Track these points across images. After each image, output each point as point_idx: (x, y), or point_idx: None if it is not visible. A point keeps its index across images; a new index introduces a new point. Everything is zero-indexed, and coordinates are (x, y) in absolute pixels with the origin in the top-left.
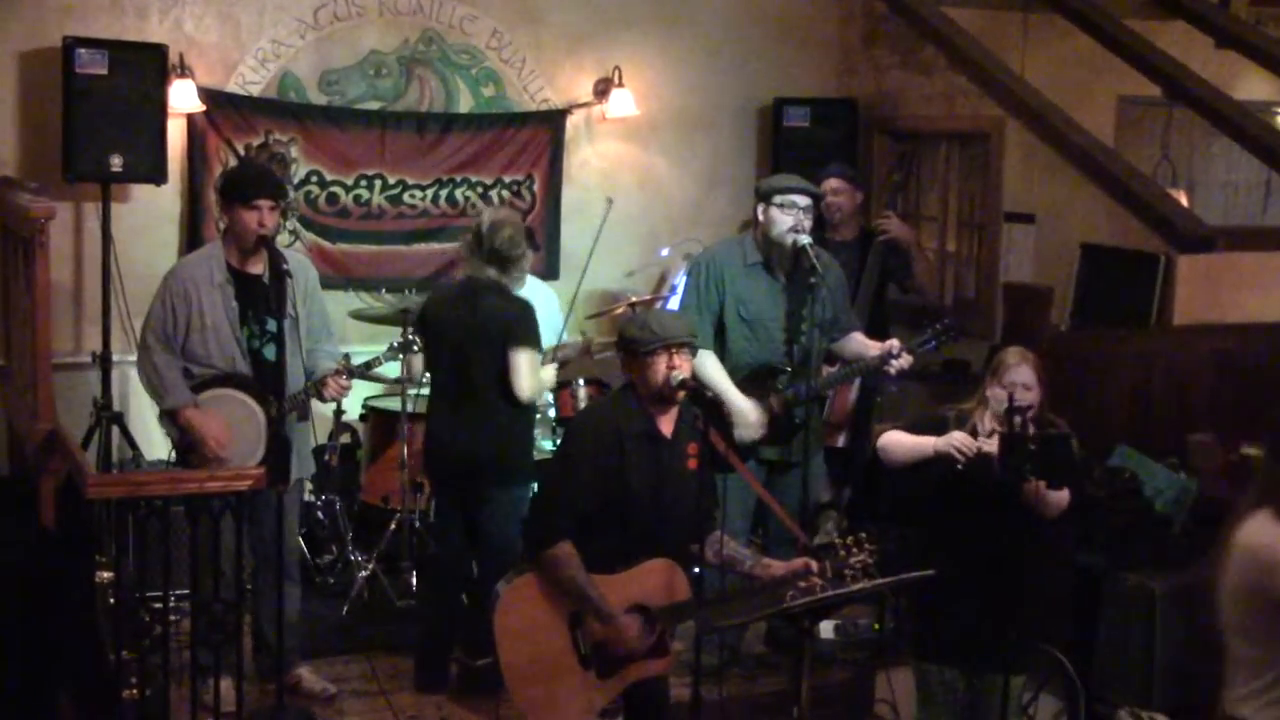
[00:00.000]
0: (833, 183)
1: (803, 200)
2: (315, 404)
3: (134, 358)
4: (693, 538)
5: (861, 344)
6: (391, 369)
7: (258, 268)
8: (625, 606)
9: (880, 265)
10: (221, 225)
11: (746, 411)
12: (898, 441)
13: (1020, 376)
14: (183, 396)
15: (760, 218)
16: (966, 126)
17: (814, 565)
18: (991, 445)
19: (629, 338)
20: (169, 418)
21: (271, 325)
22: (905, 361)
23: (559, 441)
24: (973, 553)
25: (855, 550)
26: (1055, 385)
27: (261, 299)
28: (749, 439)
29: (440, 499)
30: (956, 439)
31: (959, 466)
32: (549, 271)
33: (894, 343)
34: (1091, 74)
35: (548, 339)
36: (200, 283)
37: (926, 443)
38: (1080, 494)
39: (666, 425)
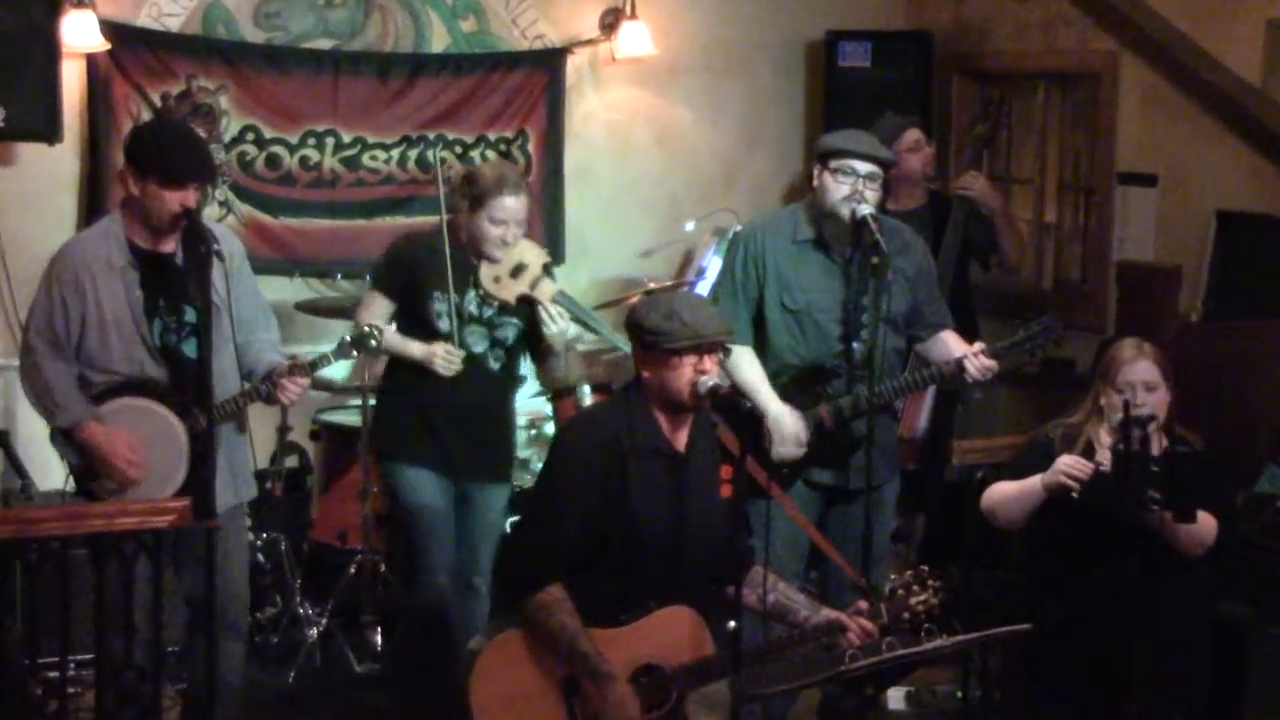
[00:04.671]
0: (914, 134)
1: (863, 167)
2: (254, 411)
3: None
4: (720, 580)
5: (953, 345)
6: (342, 370)
7: (169, 245)
8: (632, 667)
9: (961, 238)
10: (134, 191)
11: (782, 420)
12: (1002, 496)
13: (1139, 374)
14: (79, 410)
15: (815, 183)
16: (1071, 65)
17: (863, 606)
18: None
19: (648, 328)
20: (63, 437)
21: (191, 315)
22: (984, 367)
23: (546, 457)
24: (1085, 601)
25: (916, 589)
26: (1186, 390)
27: (176, 283)
28: (786, 457)
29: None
30: (1064, 464)
31: (1074, 496)
32: (551, 253)
33: (978, 345)
34: None
35: None
36: (95, 267)
37: (1033, 485)
38: (1225, 527)
39: (680, 438)
